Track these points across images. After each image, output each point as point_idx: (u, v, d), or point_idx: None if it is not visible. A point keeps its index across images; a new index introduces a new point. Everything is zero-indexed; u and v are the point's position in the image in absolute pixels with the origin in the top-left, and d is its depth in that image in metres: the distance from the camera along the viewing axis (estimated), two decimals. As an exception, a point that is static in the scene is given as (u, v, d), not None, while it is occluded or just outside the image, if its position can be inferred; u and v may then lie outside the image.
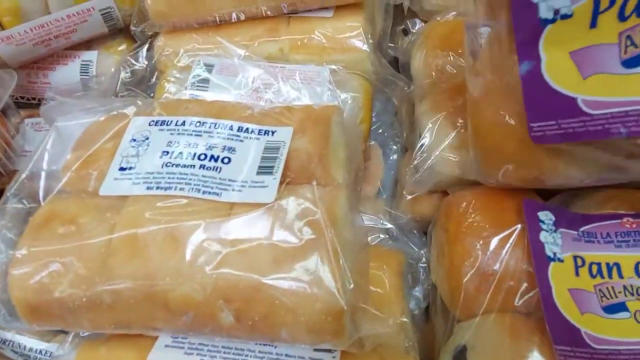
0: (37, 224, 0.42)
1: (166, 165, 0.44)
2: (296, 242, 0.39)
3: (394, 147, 0.73)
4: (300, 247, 0.39)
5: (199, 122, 0.47)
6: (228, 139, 0.45)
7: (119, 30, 0.73)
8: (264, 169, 0.43)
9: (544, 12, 0.37)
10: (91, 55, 0.72)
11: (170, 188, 0.42)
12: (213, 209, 0.41)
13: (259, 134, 0.46)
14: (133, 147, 0.46)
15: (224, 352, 0.41)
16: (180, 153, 0.44)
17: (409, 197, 0.62)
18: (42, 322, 0.41)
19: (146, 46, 0.65)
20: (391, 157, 0.72)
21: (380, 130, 0.73)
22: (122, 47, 0.72)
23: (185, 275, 0.38)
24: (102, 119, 0.50)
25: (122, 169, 0.45)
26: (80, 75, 0.71)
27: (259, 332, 0.39)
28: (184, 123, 0.47)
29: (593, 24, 0.37)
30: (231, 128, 0.46)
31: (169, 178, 0.43)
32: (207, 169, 0.43)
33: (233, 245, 0.39)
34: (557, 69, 0.38)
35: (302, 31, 0.62)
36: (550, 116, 0.39)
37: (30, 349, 0.54)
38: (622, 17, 0.36)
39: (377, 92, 0.67)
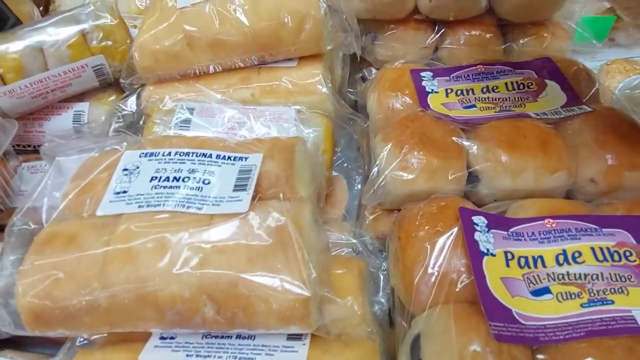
0: (40, 242, 0.49)
1: (155, 187, 0.51)
2: (267, 243, 0.46)
3: (357, 177, 0.82)
4: (271, 247, 0.46)
5: (183, 152, 0.55)
6: (208, 164, 0.54)
7: (109, 84, 0.83)
8: (239, 187, 0.51)
9: (482, 248, 0.51)
10: (83, 106, 0.80)
11: (158, 205, 0.49)
12: (196, 220, 0.48)
13: (234, 160, 0.54)
14: (126, 175, 0.54)
15: (207, 347, 0.47)
16: (167, 177, 0.52)
17: (371, 217, 0.71)
18: (44, 328, 0.46)
19: (134, 95, 0.74)
20: (356, 187, 0.81)
21: (346, 164, 0.83)
22: (112, 98, 0.81)
23: (172, 276, 0.45)
24: (97, 155, 0.57)
25: (116, 193, 0.52)
26: (73, 124, 0.79)
27: (237, 322, 0.45)
28: (169, 153, 0.55)
29: (507, 265, 0.51)
30: (210, 156, 0.55)
31: (157, 197, 0.50)
32: (190, 189, 0.51)
33: (213, 248, 0.46)
34: (495, 287, 0.49)
35: (270, 79, 0.72)
36: (500, 320, 0.47)
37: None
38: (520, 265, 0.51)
39: (339, 129, 0.77)
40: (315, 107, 0.71)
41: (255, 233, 0.47)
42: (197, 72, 0.73)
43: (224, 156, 0.55)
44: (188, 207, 0.49)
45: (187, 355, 0.46)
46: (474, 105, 0.71)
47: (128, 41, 0.78)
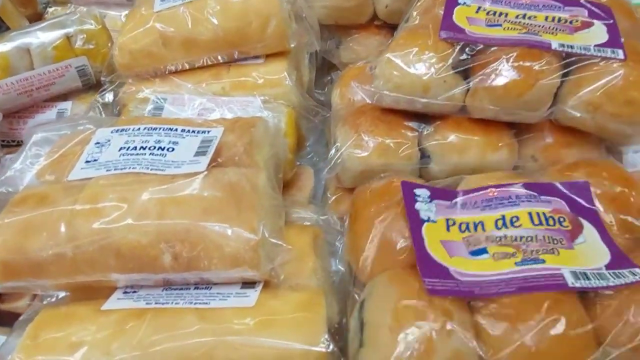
0: (14, 202, 0.53)
1: (122, 155, 0.56)
2: (221, 196, 0.51)
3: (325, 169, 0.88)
4: (225, 200, 0.51)
5: (151, 127, 0.60)
6: (173, 136, 0.59)
7: (91, 86, 0.89)
8: (199, 153, 0.56)
9: (423, 215, 0.56)
10: (66, 104, 0.86)
11: (125, 168, 0.54)
12: (158, 180, 0.53)
13: (197, 133, 0.60)
14: (97, 147, 0.59)
15: (166, 297, 0.50)
16: (135, 147, 0.57)
17: (333, 197, 0.75)
18: (14, 279, 0.50)
19: (112, 91, 0.80)
20: (323, 179, 0.86)
21: (315, 158, 0.89)
22: (92, 99, 0.87)
23: (133, 226, 0.49)
24: (71, 133, 0.63)
25: (87, 161, 0.57)
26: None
27: (193, 268, 0.49)
28: (139, 128, 0.60)
29: (447, 230, 0.55)
30: (176, 129, 0.60)
31: (124, 162, 0.55)
32: (154, 155, 0.56)
33: (171, 201, 0.50)
34: (434, 249, 0.53)
35: (240, 74, 0.79)
36: (435, 276, 0.50)
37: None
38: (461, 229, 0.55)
39: (306, 121, 0.82)
40: (281, 99, 0.77)
41: (211, 188, 0.51)
42: (172, 69, 0.80)
43: (188, 130, 0.60)
44: (151, 169, 0.54)
45: (147, 303, 0.50)
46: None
47: (109, 44, 0.85)
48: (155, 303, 0.50)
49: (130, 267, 0.49)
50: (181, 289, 0.51)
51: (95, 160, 0.56)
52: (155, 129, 0.60)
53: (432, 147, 0.69)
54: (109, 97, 0.79)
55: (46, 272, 0.50)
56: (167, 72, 0.80)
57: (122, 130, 0.60)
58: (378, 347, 0.44)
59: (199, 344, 0.45)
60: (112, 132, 0.61)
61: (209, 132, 0.59)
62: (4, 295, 0.66)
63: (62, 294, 0.56)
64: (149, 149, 0.57)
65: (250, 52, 0.79)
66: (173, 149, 0.57)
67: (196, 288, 0.51)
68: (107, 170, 0.54)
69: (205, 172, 0.53)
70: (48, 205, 0.51)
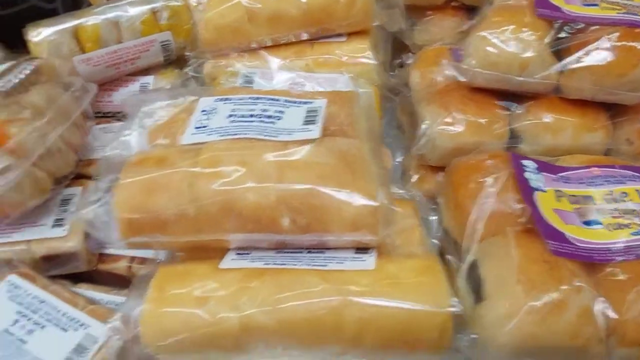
0: (132, 163, 0.55)
1: (232, 121, 0.58)
2: (336, 163, 0.52)
3: (398, 152, 0.88)
4: (340, 166, 0.52)
5: (255, 97, 0.62)
6: (277, 106, 0.60)
7: (170, 62, 0.91)
8: (308, 122, 0.57)
9: (533, 184, 0.57)
10: (149, 78, 0.88)
11: (237, 134, 0.56)
12: (272, 146, 0.54)
13: (299, 103, 0.61)
14: (204, 114, 0.60)
15: (282, 259, 0.52)
16: (243, 115, 0.59)
17: (416, 176, 0.76)
18: (137, 235, 0.52)
19: (198, 62, 0.82)
20: (396, 161, 0.87)
21: (388, 139, 0.90)
22: (174, 74, 0.89)
23: (254, 188, 0.50)
24: (173, 102, 0.65)
25: (197, 127, 0.59)
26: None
27: (311, 231, 0.50)
28: (242, 98, 0.62)
29: (557, 200, 0.56)
30: (279, 100, 0.61)
31: (235, 128, 0.57)
32: (264, 122, 0.57)
33: (290, 165, 0.51)
34: (549, 215, 0.54)
35: (323, 52, 0.80)
36: (555, 240, 0.52)
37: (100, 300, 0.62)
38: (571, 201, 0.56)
39: (384, 100, 0.83)
40: (363, 77, 0.78)
41: (325, 155, 0.52)
42: (255, 46, 0.81)
43: (292, 100, 0.61)
44: (265, 135, 0.55)
45: (265, 264, 0.51)
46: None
47: (191, 21, 0.87)
48: (273, 264, 0.51)
49: (249, 228, 0.51)
50: (294, 252, 0.53)
51: (204, 126, 0.58)
52: (258, 98, 0.61)
53: (524, 127, 0.69)
54: (196, 71, 0.80)
55: (168, 230, 0.51)
56: (249, 49, 0.82)
57: (226, 99, 0.62)
58: (506, 298, 0.46)
59: (325, 302, 0.46)
60: (215, 100, 0.62)
61: (311, 102, 0.60)
62: (104, 256, 0.68)
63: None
64: (257, 116, 0.58)
65: (335, 29, 0.80)
66: (280, 118, 0.58)
67: (309, 252, 0.53)
68: (219, 136, 0.56)
69: (318, 139, 0.54)
70: (168, 166, 0.53)
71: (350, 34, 0.82)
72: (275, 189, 0.50)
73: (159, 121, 0.61)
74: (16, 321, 0.55)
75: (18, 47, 0.91)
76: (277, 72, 0.75)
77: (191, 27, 0.87)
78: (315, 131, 0.55)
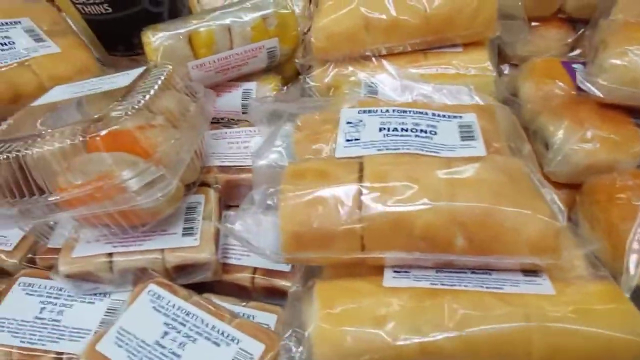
0: (291, 175, 0.54)
1: (386, 135, 0.57)
2: (505, 181, 0.50)
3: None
4: (513, 185, 0.50)
5: (400, 110, 0.61)
6: (427, 120, 0.59)
7: (270, 69, 0.90)
8: (466, 138, 0.56)
9: None
10: (251, 85, 0.87)
11: (398, 149, 0.54)
12: (436, 162, 0.53)
13: (449, 117, 0.60)
14: (351, 126, 0.59)
15: (447, 279, 0.50)
16: (395, 128, 0.58)
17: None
18: (301, 251, 0.51)
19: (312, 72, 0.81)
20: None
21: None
22: (275, 81, 0.88)
23: (427, 206, 0.49)
24: (315, 113, 0.64)
25: (348, 140, 0.57)
26: (242, 100, 0.86)
27: (487, 252, 0.48)
28: (387, 110, 0.61)
29: None
30: (426, 113, 0.60)
31: (393, 143, 0.55)
32: (420, 137, 0.56)
33: (461, 183, 0.50)
34: None
35: (438, 62, 0.79)
36: None
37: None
38: None
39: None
40: (482, 89, 0.77)
41: (494, 173, 0.51)
42: (368, 54, 0.80)
43: (439, 114, 0.60)
44: (426, 151, 0.54)
45: (432, 284, 0.50)
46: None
47: (298, 29, 0.86)
48: (441, 285, 0.50)
49: (420, 247, 0.49)
50: (458, 272, 0.51)
51: (356, 139, 0.57)
52: (404, 111, 0.60)
53: (663, 145, 0.67)
54: (314, 79, 0.79)
55: (333, 246, 0.50)
56: (362, 58, 0.81)
57: (370, 111, 0.61)
58: None
59: (513, 327, 0.45)
60: (359, 112, 0.61)
61: (461, 117, 0.59)
62: (227, 266, 0.67)
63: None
64: (411, 131, 0.57)
65: (453, 39, 0.79)
66: (435, 133, 0.57)
67: (473, 272, 0.51)
68: (377, 150, 0.55)
69: (485, 157, 0.53)
70: (331, 180, 0.52)
71: (466, 45, 0.80)
72: (448, 207, 0.49)
73: (302, 132, 0.60)
74: (165, 333, 0.54)
75: (118, 49, 0.91)
76: (399, 82, 0.73)
77: (297, 34, 0.87)
78: (479, 148, 0.54)
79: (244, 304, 0.64)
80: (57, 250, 0.69)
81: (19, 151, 0.59)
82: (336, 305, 0.49)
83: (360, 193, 0.51)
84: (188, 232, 0.64)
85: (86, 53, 0.80)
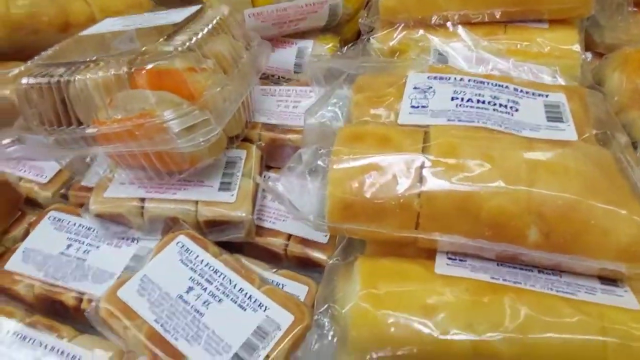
0: (347, 137, 0.49)
1: (460, 105, 0.50)
2: (599, 174, 0.43)
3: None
4: (605, 179, 0.43)
5: (477, 80, 0.54)
6: (508, 95, 0.52)
7: (329, 28, 0.84)
8: (553, 119, 0.49)
9: None
10: (307, 43, 0.82)
11: (472, 121, 0.48)
12: (516, 141, 0.46)
13: (533, 95, 0.52)
14: (419, 92, 0.53)
15: (511, 275, 0.44)
16: (470, 99, 0.51)
17: None
18: (348, 221, 0.45)
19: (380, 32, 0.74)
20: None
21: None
22: (332, 42, 0.82)
23: (501, 189, 0.43)
24: (378, 75, 0.58)
25: (413, 106, 0.51)
26: (296, 58, 0.81)
27: (566, 250, 0.42)
28: (462, 79, 0.54)
29: None
30: (507, 87, 0.53)
31: (468, 114, 0.49)
32: (499, 112, 0.49)
33: (544, 168, 0.43)
34: None
35: (520, 37, 0.70)
36: None
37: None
38: None
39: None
40: (566, 72, 0.68)
41: (585, 162, 0.44)
42: (440, 21, 0.73)
43: (522, 90, 0.53)
44: (505, 127, 0.47)
45: (492, 278, 0.44)
46: None
47: (364, -12, 0.80)
48: (503, 280, 0.43)
49: (485, 234, 0.43)
50: (523, 269, 0.45)
51: (423, 106, 0.51)
52: (482, 82, 0.53)
53: None
54: (381, 41, 0.73)
55: (385, 220, 0.45)
56: (431, 23, 0.74)
57: (441, 78, 0.54)
58: None
59: (586, 340, 0.39)
60: (428, 78, 0.55)
61: (547, 95, 0.52)
62: (261, 229, 0.63)
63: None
64: (489, 104, 0.50)
65: (542, 13, 0.70)
66: (516, 109, 0.50)
67: (541, 272, 0.45)
68: (448, 120, 0.48)
69: (574, 142, 0.45)
70: (392, 148, 0.46)
71: (553, 21, 0.71)
72: (527, 194, 0.42)
73: (362, 93, 0.55)
74: (190, 289, 0.51)
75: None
76: (474, 53, 0.66)
77: (363, -6, 0.80)
78: (569, 132, 0.47)
79: (274, 270, 0.60)
80: (90, 189, 0.67)
81: (61, 76, 0.56)
82: (380, 285, 0.43)
83: (423, 165, 0.45)
84: (225, 186, 0.60)
85: None
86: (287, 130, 0.68)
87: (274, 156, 0.69)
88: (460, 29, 0.70)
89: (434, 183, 0.44)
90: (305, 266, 0.62)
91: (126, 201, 0.59)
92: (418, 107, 0.51)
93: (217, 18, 0.59)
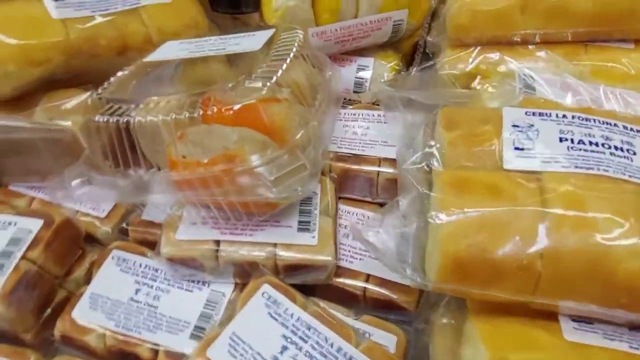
0: (451, 185, 0.45)
1: (571, 148, 0.46)
2: None
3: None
4: None
5: (582, 117, 0.50)
6: (620, 134, 0.48)
7: (389, 44, 0.80)
8: (680, 165, 0.45)
9: None
10: (367, 61, 0.78)
11: (591, 168, 0.44)
12: (641, 192, 0.43)
13: (649, 134, 0.48)
14: (520, 131, 0.49)
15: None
16: (581, 140, 0.47)
17: None
18: (456, 282, 0.42)
19: (449, 55, 0.70)
20: None
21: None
22: (394, 59, 0.78)
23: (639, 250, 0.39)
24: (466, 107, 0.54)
25: (517, 148, 0.47)
26: (355, 77, 0.77)
27: None
28: (565, 116, 0.50)
29: None
30: (616, 125, 0.49)
31: (583, 160, 0.45)
32: (617, 156, 0.46)
33: (685, 228, 0.40)
34: None
35: (604, 58, 0.66)
36: None
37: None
38: None
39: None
40: (654, 97, 0.64)
41: None
42: (517, 39, 0.69)
43: (632, 128, 0.49)
44: (629, 176, 0.43)
45: (631, 347, 0.40)
46: None
47: (430, 2, 0.75)
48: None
49: (621, 301, 0.40)
50: (654, 332, 0.42)
51: (529, 149, 0.47)
52: (588, 119, 0.49)
53: None
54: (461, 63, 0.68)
55: (500, 283, 0.41)
56: (505, 43, 0.69)
57: (541, 114, 0.50)
58: None
59: None
60: (527, 114, 0.51)
61: (664, 136, 0.48)
62: (340, 269, 0.59)
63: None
64: (603, 146, 0.46)
65: (631, 32, 0.66)
66: (634, 152, 0.46)
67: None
68: (563, 167, 0.45)
69: None
70: (507, 200, 0.42)
71: (638, 41, 0.67)
72: (667, 257, 0.39)
73: (455, 131, 0.51)
74: (284, 348, 0.47)
75: (222, 5, 0.82)
76: (560, 78, 0.62)
77: (429, 7, 0.76)
78: None
79: (356, 317, 0.56)
80: (150, 223, 0.64)
81: (130, 115, 0.53)
82: (509, 354, 0.40)
83: (544, 220, 0.41)
84: (304, 226, 0.57)
85: (196, 7, 0.72)
86: (360, 160, 0.65)
87: (345, 186, 0.66)
88: (540, 50, 0.66)
89: (559, 241, 0.40)
90: (384, 308, 0.59)
91: (201, 244, 0.56)
92: (523, 149, 0.47)
93: (296, 44, 0.55)
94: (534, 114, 0.51)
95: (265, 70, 0.50)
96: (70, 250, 0.60)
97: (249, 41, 0.56)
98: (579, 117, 0.50)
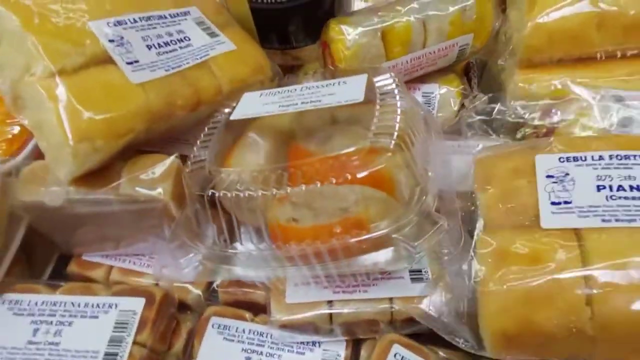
0: (490, 258, 0.46)
1: (610, 198, 0.48)
2: None
3: None
4: None
5: (619, 154, 0.50)
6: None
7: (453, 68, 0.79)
8: None
9: None
10: (432, 87, 0.78)
11: (634, 220, 0.46)
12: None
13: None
14: (555, 183, 0.50)
15: None
16: (620, 187, 0.49)
17: None
18: (511, 352, 0.46)
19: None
20: None
21: None
22: (457, 83, 0.78)
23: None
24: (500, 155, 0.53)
25: (554, 203, 0.48)
26: (422, 105, 0.76)
27: None
28: (601, 157, 0.51)
29: None
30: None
31: (624, 211, 0.47)
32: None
33: None
34: None
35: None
36: None
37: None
38: None
39: None
40: None
41: None
42: (591, 57, 0.68)
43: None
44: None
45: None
46: None
47: (494, 24, 0.74)
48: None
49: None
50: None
51: (566, 202, 0.49)
52: (627, 157, 0.50)
53: None
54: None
55: (558, 350, 0.45)
56: (578, 60, 0.69)
57: (575, 158, 0.52)
58: None
59: None
60: (560, 160, 0.52)
61: None
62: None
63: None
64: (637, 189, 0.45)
65: None
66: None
67: None
68: (602, 221, 0.47)
69: None
70: (545, 266, 0.45)
71: None
72: None
73: (490, 191, 0.50)
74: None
75: (272, 41, 0.80)
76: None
77: (492, 29, 0.74)
78: None
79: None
80: (240, 283, 0.63)
81: (230, 190, 0.49)
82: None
83: (587, 283, 0.44)
84: (417, 276, 0.55)
85: (258, 50, 0.73)
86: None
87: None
88: (617, 65, 0.65)
89: (607, 307, 0.43)
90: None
91: (314, 307, 0.54)
92: (560, 203, 0.49)
93: (396, 89, 0.52)
94: (567, 159, 0.52)
95: (380, 125, 0.47)
96: (170, 323, 0.58)
97: (346, 90, 0.54)
98: (617, 156, 0.51)
